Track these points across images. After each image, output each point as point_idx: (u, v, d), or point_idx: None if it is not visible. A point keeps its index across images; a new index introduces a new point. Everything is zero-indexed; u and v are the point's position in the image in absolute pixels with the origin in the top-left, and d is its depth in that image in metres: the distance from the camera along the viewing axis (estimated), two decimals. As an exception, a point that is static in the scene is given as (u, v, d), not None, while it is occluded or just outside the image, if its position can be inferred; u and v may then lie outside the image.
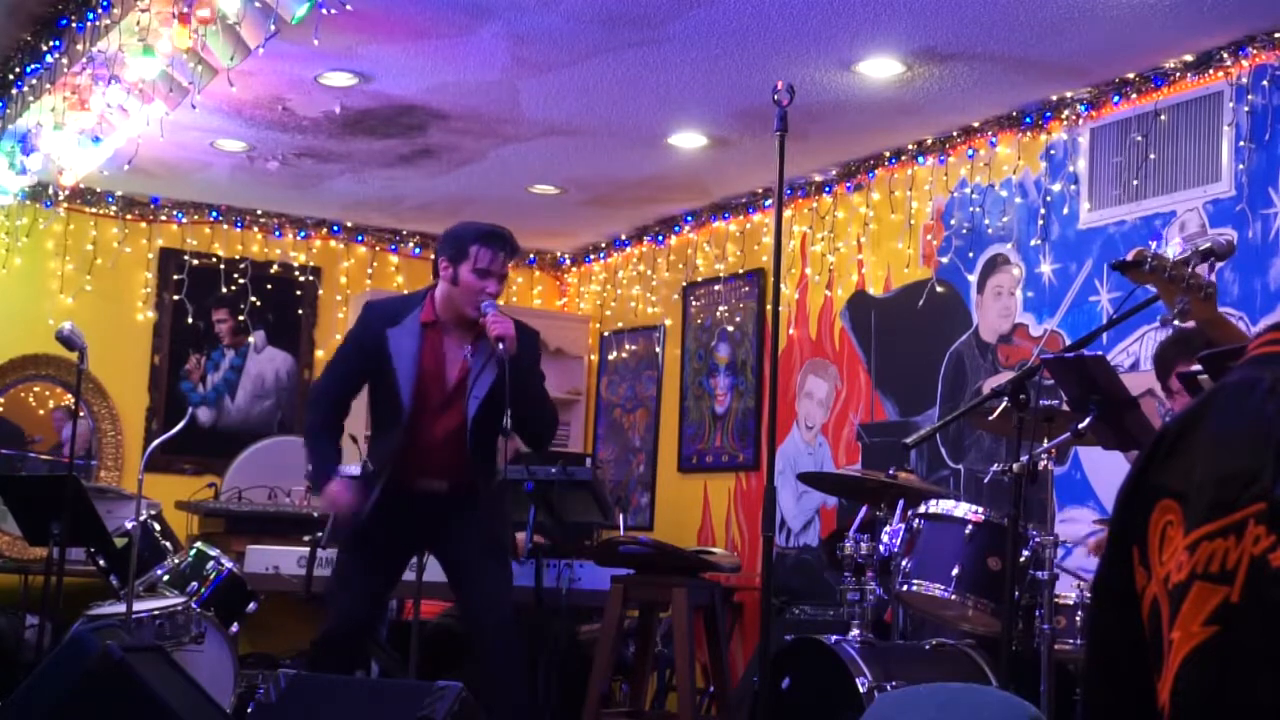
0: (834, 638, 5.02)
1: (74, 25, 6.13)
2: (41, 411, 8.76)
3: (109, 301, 8.85)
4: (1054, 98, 6.61)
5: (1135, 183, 6.30)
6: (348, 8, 5.56)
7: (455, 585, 5.13)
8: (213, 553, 6.95)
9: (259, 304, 9.27)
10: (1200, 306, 3.26)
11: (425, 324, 5.08)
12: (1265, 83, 5.82)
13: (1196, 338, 4.56)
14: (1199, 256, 3.76)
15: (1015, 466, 4.10)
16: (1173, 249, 3.25)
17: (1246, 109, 5.87)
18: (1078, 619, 4.68)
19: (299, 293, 9.45)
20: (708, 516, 8.68)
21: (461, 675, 4.77)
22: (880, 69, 6.33)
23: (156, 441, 6.88)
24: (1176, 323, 3.30)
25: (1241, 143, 5.88)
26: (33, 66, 6.48)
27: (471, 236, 5.04)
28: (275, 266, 9.33)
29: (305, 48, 6.07)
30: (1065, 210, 6.67)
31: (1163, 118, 6.21)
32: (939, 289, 7.30)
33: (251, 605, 6.89)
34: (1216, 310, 3.33)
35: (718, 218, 8.77)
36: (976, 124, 7.00)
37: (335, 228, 9.49)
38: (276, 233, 9.36)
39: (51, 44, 6.29)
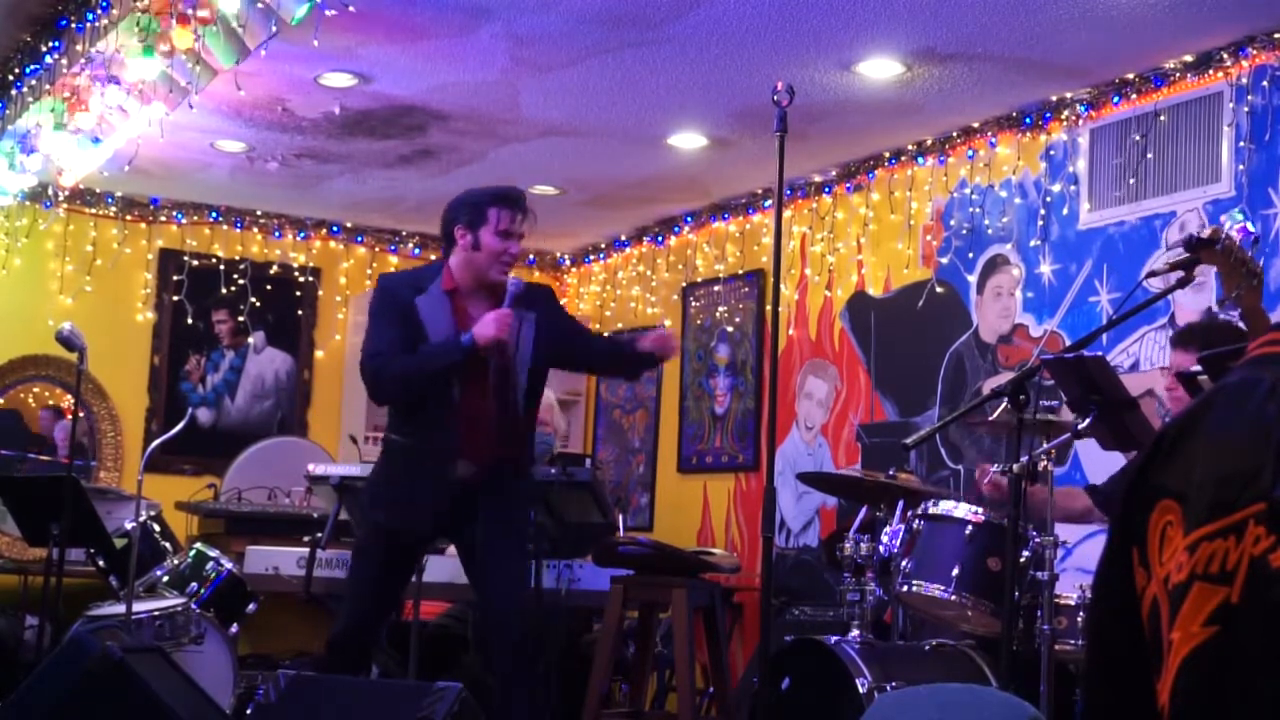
0: (834, 638, 5.02)
1: (73, 26, 6.13)
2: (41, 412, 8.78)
3: (109, 302, 8.85)
4: (1054, 98, 6.61)
5: (1135, 183, 6.30)
6: (350, 9, 5.56)
7: (471, 572, 4.98)
8: (212, 553, 6.95)
9: (259, 305, 9.27)
10: (1250, 293, 3.27)
11: (448, 292, 4.90)
12: (1265, 83, 5.82)
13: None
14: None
15: (1015, 467, 4.09)
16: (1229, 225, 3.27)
17: (1246, 109, 5.87)
18: (1078, 619, 4.68)
19: (299, 293, 9.45)
20: (707, 517, 8.68)
21: (461, 676, 4.77)
22: (880, 69, 6.33)
23: (156, 442, 6.88)
24: (1226, 307, 3.33)
25: (1241, 143, 5.88)
26: (32, 67, 6.48)
27: (488, 199, 4.91)
28: (275, 267, 9.33)
29: (305, 48, 6.07)
30: (1065, 211, 6.67)
31: (1162, 118, 6.21)
32: (939, 289, 7.30)
33: (251, 606, 6.89)
34: (1260, 300, 3.33)
35: (717, 218, 8.77)
36: (976, 124, 7.00)
37: (335, 228, 9.49)
38: (276, 233, 9.36)
39: (51, 44, 6.29)
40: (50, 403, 8.76)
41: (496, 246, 4.86)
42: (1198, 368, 3.76)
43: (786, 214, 7.95)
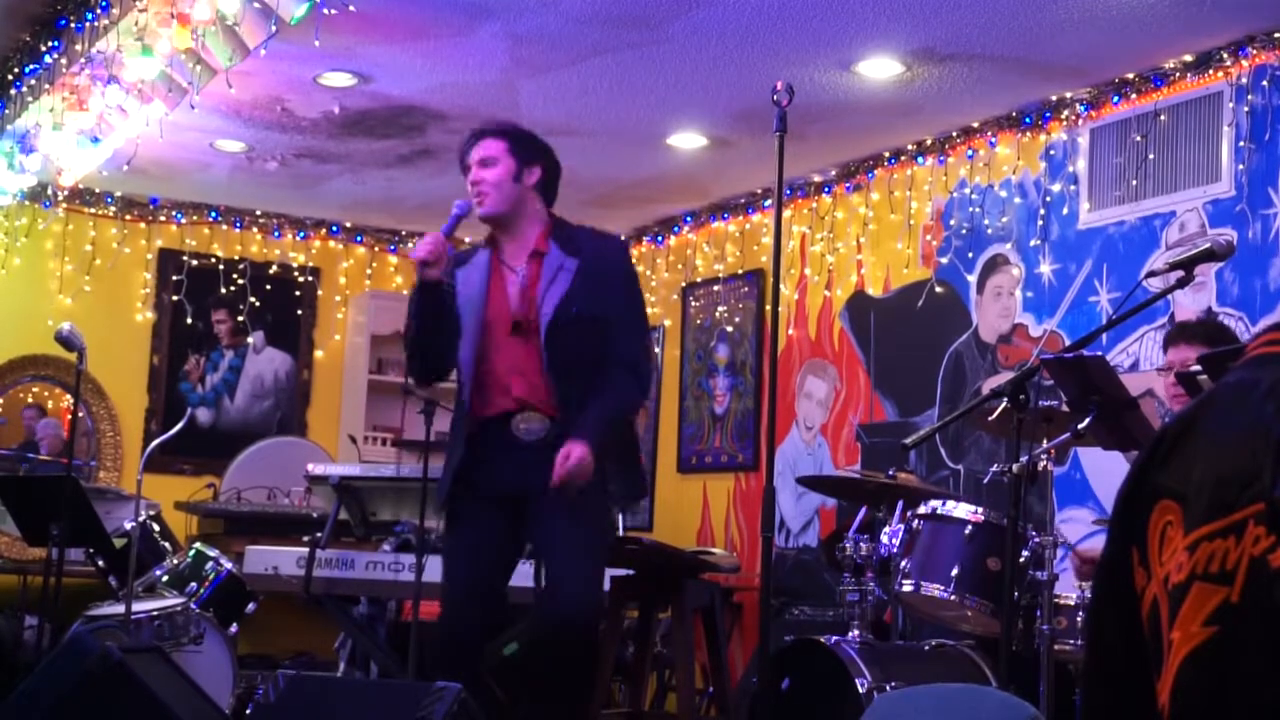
0: (833, 638, 5.01)
1: (73, 26, 6.13)
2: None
3: (108, 302, 8.85)
4: (1053, 98, 6.61)
5: (1135, 183, 6.30)
6: (350, 8, 5.56)
7: (534, 552, 4.58)
8: (211, 553, 6.95)
9: (258, 304, 9.27)
10: None
11: (490, 249, 4.55)
12: (1265, 83, 5.82)
13: None
14: (1200, 257, 3.77)
15: (1015, 467, 4.09)
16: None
17: (1246, 109, 5.87)
18: (1077, 620, 4.68)
19: (298, 293, 9.45)
20: (707, 517, 8.68)
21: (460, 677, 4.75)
22: (879, 69, 6.33)
23: (155, 442, 6.88)
24: None
25: (1241, 143, 5.88)
26: (31, 67, 6.48)
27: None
28: (274, 267, 9.33)
29: (304, 48, 6.07)
30: (1065, 210, 6.66)
31: (1162, 118, 6.21)
32: (938, 289, 7.30)
33: (250, 606, 6.89)
34: None
35: (717, 218, 8.77)
36: (976, 124, 7.00)
37: (334, 228, 9.49)
38: (275, 233, 9.36)
39: (50, 44, 6.29)
40: (51, 404, 8.75)
41: (468, 180, 4.55)
42: (1197, 367, 3.75)
43: (786, 214, 7.94)
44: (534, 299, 4.43)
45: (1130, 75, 6.27)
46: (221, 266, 9.16)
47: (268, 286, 9.29)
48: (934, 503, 5.06)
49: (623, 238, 4.83)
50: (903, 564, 4.96)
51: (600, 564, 4.56)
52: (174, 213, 9.08)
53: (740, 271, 8.64)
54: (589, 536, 4.38)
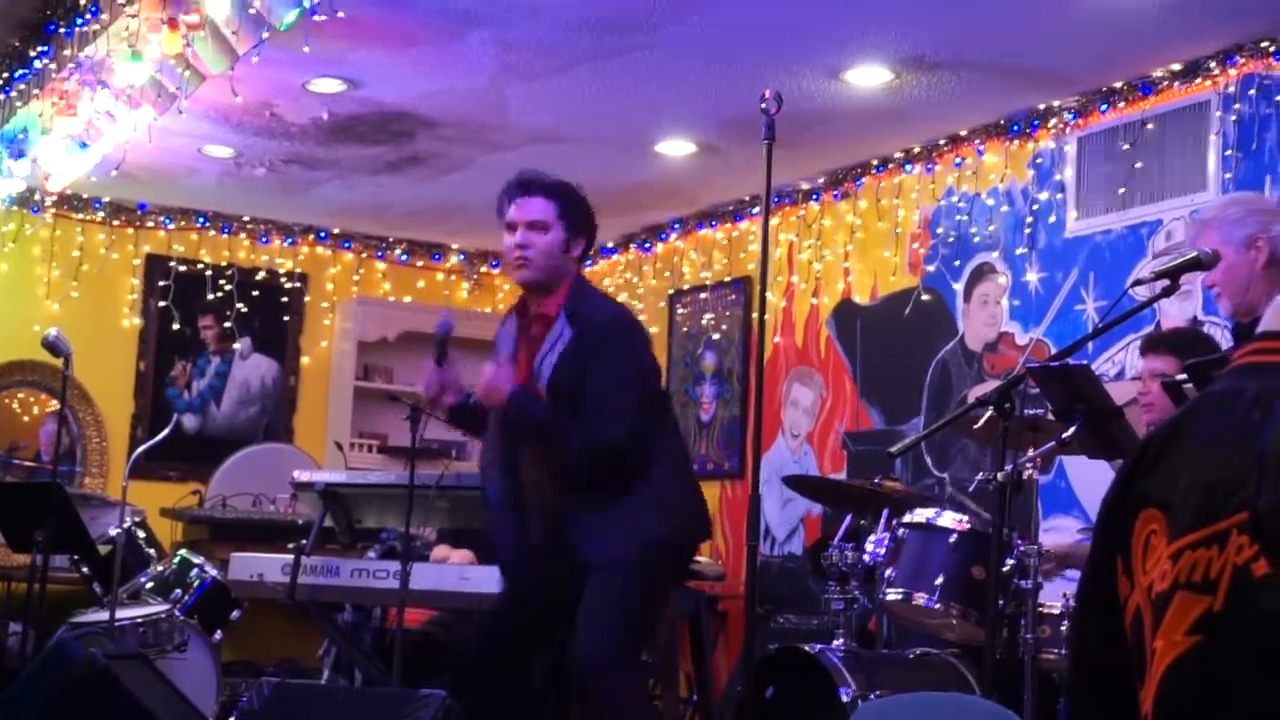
0: (818, 646, 5.02)
1: (62, 31, 6.12)
2: (26, 418, 8.74)
3: (95, 308, 8.82)
4: (1041, 106, 6.62)
5: (1122, 191, 6.31)
6: (339, 15, 5.55)
7: None
8: (196, 560, 6.92)
9: (245, 310, 9.25)
10: None
11: (518, 314, 4.38)
12: (1252, 92, 5.83)
13: None
14: (1186, 266, 3.79)
15: (1000, 475, 4.09)
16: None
17: (1233, 118, 5.88)
18: (1061, 628, 4.68)
19: (285, 299, 9.43)
20: (694, 524, 8.66)
21: (445, 683, 4.75)
22: (868, 77, 6.34)
23: (141, 448, 6.84)
24: None
25: (1228, 152, 5.89)
26: (21, 72, 6.47)
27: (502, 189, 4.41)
28: (262, 273, 9.31)
29: (294, 54, 6.06)
30: (1052, 219, 6.67)
31: (1150, 127, 6.22)
32: (925, 297, 7.30)
33: (235, 613, 6.87)
34: None
35: (704, 225, 8.77)
36: (964, 132, 7.01)
37: (322, 234, 9.47)
38: (263, 239, 9.35)
39: (40, 49, 6.28)
40: (37, 410, 8.73)
41: (506, 244, 4.35)
42: (1183, 376, 3.76)
43: (774, 221, 7.95)
44: (533, 368, 4.28)
45: (1118, 84, 6.29)
46: (209, 272, 9.15)
47: (255, 292, 9.28)
48: (920, 511, 5.06)
49: (622, 302, 4.71)
50: (888, 572, 4.96)
51: (618, 619, 4.25)
52: (162, 218, 9.06)
53: (727, 279, 8.64)
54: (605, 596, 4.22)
